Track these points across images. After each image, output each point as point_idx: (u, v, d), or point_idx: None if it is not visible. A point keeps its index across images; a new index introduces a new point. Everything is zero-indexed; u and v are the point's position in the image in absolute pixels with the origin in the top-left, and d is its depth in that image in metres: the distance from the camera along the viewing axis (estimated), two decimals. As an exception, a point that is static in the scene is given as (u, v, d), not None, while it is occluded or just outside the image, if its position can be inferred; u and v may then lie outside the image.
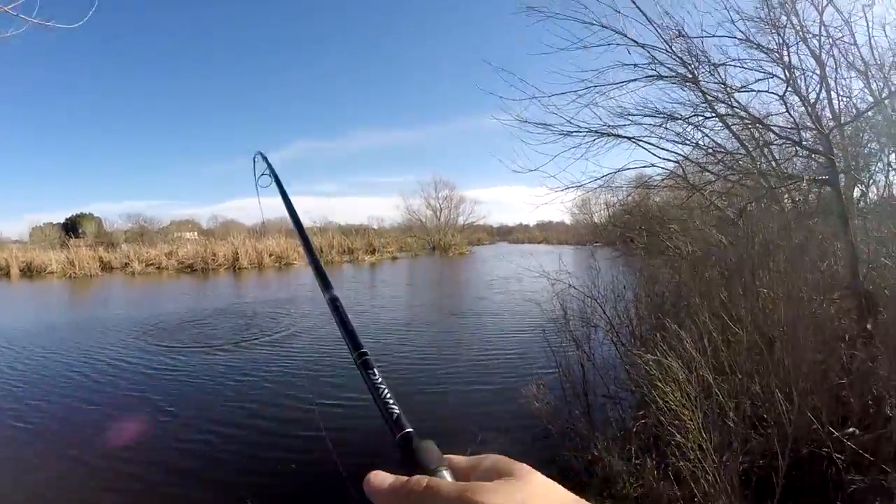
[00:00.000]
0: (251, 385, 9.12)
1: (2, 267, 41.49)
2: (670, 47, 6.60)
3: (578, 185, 7.63)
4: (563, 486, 0.50)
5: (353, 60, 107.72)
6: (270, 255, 41.97)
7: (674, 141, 7.06)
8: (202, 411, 7.90)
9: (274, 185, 1.34)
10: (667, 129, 6.99)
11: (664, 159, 7.17)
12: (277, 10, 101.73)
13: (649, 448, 4.81)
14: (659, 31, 6.61)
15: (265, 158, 1.38)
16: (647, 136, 7.10)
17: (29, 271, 40.70)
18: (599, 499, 4.61)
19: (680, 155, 7.11)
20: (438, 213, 64.71)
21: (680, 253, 6.97)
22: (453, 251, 55.02)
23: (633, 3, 6.70)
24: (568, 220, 68.99)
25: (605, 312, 6.29)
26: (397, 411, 0.65)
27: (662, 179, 7.70)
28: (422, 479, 0.53)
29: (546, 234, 76.74)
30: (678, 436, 3.57)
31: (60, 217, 65.14)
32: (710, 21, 6.46)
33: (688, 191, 7.46)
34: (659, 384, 3.73)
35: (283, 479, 5.76)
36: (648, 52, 6.74)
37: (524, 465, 0.53)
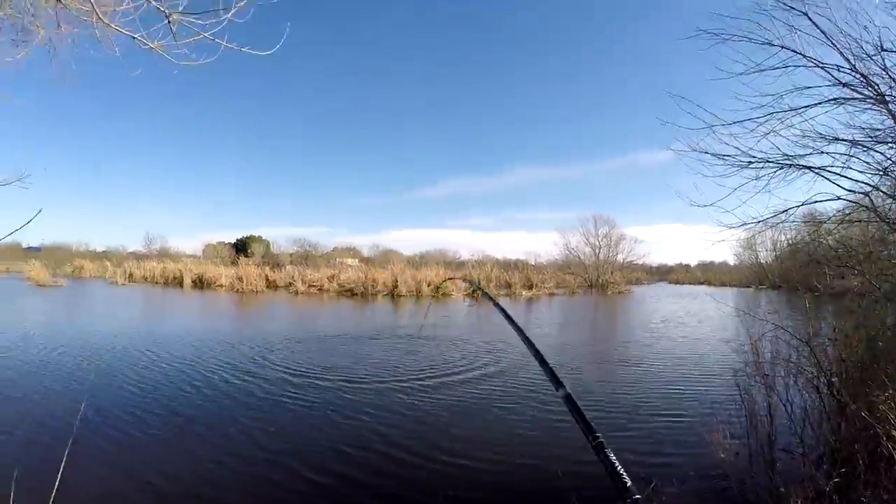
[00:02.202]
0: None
1: (176, 277, 46.23)
2: (854, 67, 5.99)
3: (756, 220, 7.01)
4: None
5: (504, 98, 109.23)
6: (429, 285, 42.99)
7: (860, 170, 6.37)
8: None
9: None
10: (852, 157, 6.32)
11: (849, 191, 6.47)
12: (432, 52, 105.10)
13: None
14: (841, 49, 6.03)
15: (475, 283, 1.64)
16: (829, 165, 6.45)
17: (200, 283, 45.60)
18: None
19: (868, 185, 6.37)
20: (597, 251, 63.79)
21: (886, 295, 6.23)
22: (612, 290, 53.87)
23: (810, 20, 6.18)
24: (731, 259, 66.13)
25: (814, 355, 5.70)
26: (629, 481, 0.78)
27: (848, 214, 6.95)
28: None
29: (707, 275, 73.50)
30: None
31: (232, 238, 71.89)
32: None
33: (875, 225, 6.72)
34: (893, 432, 3.25)
35: None
36: (829, 73, 6.17)
37: None
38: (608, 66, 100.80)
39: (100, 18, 3.10)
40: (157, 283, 46.38)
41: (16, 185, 4.02)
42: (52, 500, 3.11)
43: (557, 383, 0.95)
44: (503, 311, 1.31)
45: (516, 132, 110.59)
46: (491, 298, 1.53)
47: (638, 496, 0.67)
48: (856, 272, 6.67)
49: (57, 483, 3.11)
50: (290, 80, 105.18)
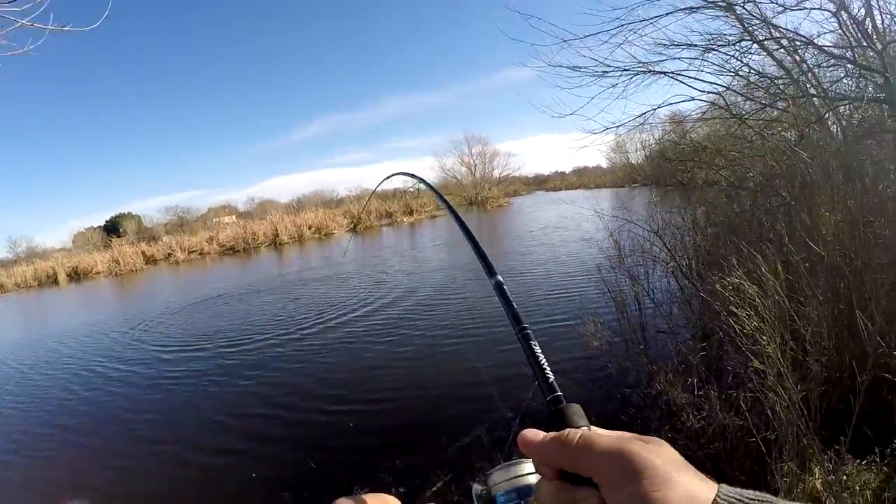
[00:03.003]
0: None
1: (49, 275, 42.62)
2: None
3: (616, 125, 7.33)
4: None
5: (370, 29, 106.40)
6: (310, 228, 42.31)
7: (713, 73, 6.82)
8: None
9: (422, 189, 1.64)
10: (705, 61, 6.73)
11: (704, 92, 6.89)
12: None
13: (710, 380, 4.76)
14: None
15: (417, 177, 1.88)
16: (685, 69, 6.83)
17: (76, 275, 41.74)
18: (663, 432, 4.62)
19: (721, 86, 6.85)
20: (473, 169, 63.87)
21: (734, 183, 6.80)
22: (491, 205, 54.43)
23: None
24: (604, 163, 68.43)
25: (665, 245, 6.16)
26: (551, 377, 0.71)
27: (703, 113, 7.43)
28: (576, 432, 0.56)
29: (582, 179, 75.83)
30: (755, 362, 3.50)
31: (100, 220, 66.71)
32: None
33: (732, 122, 7.23)
34: (734, 309, 3.65)
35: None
36: None
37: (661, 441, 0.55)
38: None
39: None
40: (31, 286, 42.73)
41: None
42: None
43: (490, 273, 0.98)
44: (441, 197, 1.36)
45: (385, 63, 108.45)
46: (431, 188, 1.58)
47: (559, 393, 0.67)
48: (703, 165, 7.19)
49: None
50: (128, 44, 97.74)
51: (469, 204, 58.33)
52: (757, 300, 3.58)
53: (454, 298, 11.96)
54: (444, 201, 1.43)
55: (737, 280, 3.75)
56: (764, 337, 3.45)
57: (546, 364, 0.75)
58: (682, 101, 7.00)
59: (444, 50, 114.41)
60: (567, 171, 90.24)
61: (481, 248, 1.05)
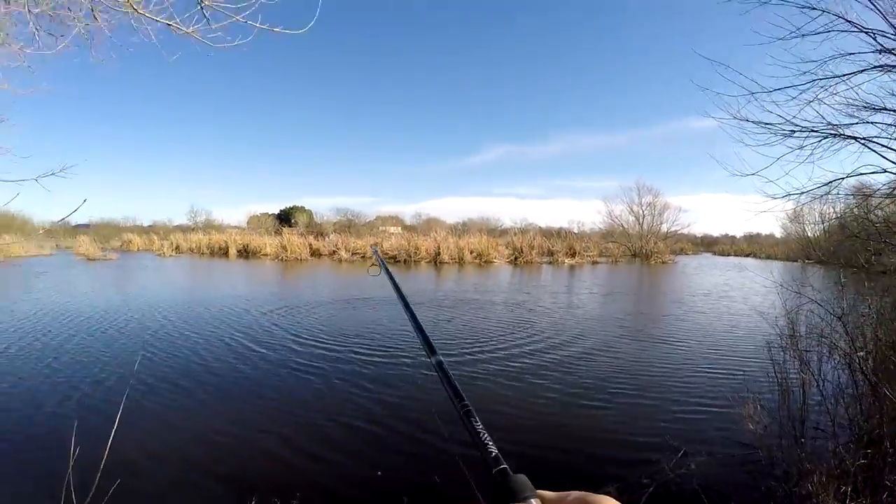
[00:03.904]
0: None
1: (221, 247, 47.64)
2: (900, 31, 5.67)
3: (800, 192, 6.77)
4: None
5: (551, 65, 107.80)
6: (471, 252, 43.28)
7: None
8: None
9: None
10: (898, 127, 6.06)
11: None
12: (475, 18, 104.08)
13: (865, 493, 4.28)
14: (885, 14, 5.69)
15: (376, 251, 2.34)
16: (876, 136, 6.14)
17: (245, 252, 46.81)
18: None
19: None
20: (641, 220, 62.59)
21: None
22: (655, 260, 52.86)
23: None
24: (778, 232, 64.21)
25: (846, 332, 5.62)
26: (495, 451, 0.77)
27: (894, 189, 6.70)
28: None
29: (753, 246, 71.73)
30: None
31: (275, 208, 73.55)
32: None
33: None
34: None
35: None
36: (874, 37, 5.83)
37: (609, 498, 0.62)
38: (657, 32, 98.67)
39: (134, 8, 3.22)
40: (203, 254, 48.10)
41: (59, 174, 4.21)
42: (107, 449, 3.55)
43: (432, 352, 1.06)
44: (392, 280, 1.47)
45: (565, 99, 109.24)
46: (386, 268, 1.73)
47: (504, 465, 0.71)
48: (893, 249, 6.52)
49: (111, 436, 3.57)
50: (329, 56, 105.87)
51: (632, 255, 56.89)
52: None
53: (600, 353, 11.63)
54: (395, 284, 1.56)
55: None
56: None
57: (488, 438, 0.80)
58: (873, 173, 6.37)
59: (620, 90, 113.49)
60: (737, 236, 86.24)
61: (426, 334, 1.10)
